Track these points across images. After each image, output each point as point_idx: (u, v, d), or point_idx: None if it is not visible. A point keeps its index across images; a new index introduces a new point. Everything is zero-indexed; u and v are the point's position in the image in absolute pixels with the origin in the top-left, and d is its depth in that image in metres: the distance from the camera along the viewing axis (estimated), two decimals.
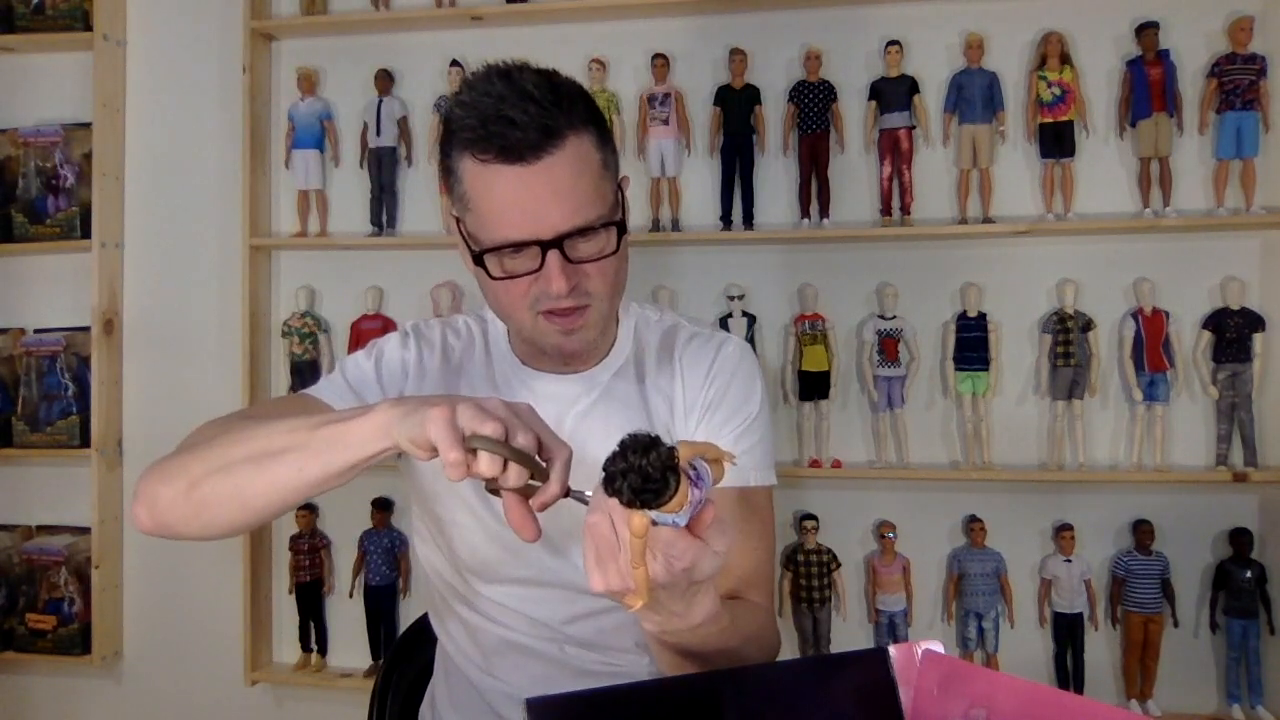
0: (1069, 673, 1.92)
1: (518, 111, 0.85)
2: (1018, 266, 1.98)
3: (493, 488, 0.76)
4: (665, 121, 2.02)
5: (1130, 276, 1.94)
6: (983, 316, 1.95)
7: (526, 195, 0.87)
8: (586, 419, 1.03)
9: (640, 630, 1.07)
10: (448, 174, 0.93)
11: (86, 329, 2.22)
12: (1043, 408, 1.97)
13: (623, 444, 0.60)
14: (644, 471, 0.58)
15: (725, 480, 0.84)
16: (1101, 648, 1.97)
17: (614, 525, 0.64)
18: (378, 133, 2.12)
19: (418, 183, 2.17)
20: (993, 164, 1.96)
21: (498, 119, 0.85)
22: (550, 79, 0.89)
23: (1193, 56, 1.92)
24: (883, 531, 1.99)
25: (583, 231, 0.89)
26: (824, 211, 1.99)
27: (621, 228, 0.93)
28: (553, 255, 0.88)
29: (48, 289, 2.32)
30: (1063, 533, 1.92)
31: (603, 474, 0.60)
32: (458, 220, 0.95)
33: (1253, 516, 1.92)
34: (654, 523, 0.62)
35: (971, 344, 1.95)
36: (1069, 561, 1.92)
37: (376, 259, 2.20)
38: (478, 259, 0.92)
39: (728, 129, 2.01)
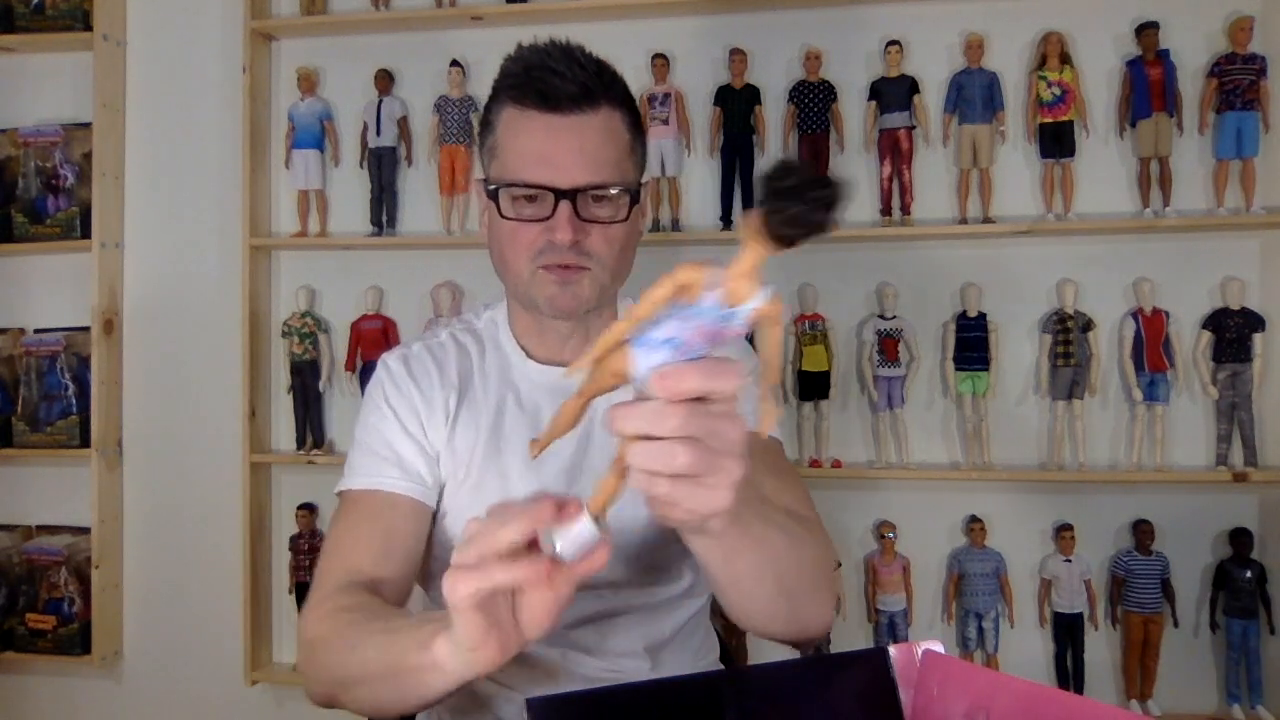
0: (1069, 673, 1.92)
1: (562, 66, 0.91)
2: (1018, 266, 1.98)
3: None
4: (665, 121, 2.02)
5: (1130, 276, 1.94)
6: (983, 316, 1.95)
7: (552, 143, 0.91)
8: (590, 409, 1.02)
9: (642, 634, 1.04)
10: (485, 129, 0.98)
11: (86, 329, 2.22)
12: (1043, 408, 1.97)
13: (787, 167, 0.49)
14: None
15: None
16: (1101, 648, 1.97)
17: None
18: (378, 133, 2.12)
19: (418, 183, 2.17)
20: (993, 164, 1.96)
21: (542, 68, 0.91)
22: (599, 60, 0.95)
23: (1193, 56, 1.92)
24: (883, 531, 1.99)
25: (598, 193, 0.92)
26: None
27: (635, 199, 0.96)
28: (564, 205, 0.90)
29: (48, 289, 2.32)
30: (1063, 533, 1.92)
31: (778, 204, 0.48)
32: (484, 181, 0.98)
33: (1253, 516, 1.92)
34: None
35: (971, 344, 1.95)
36: (1069, 561, 1.92)
37: (376, 259, 2.20)
38: (493, 194, 0.94)
39: (728, 129, 2.01)
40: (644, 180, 1.01)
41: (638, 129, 0.98)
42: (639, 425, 0.53)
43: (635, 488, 0.55)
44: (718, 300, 0.51)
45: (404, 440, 1.00)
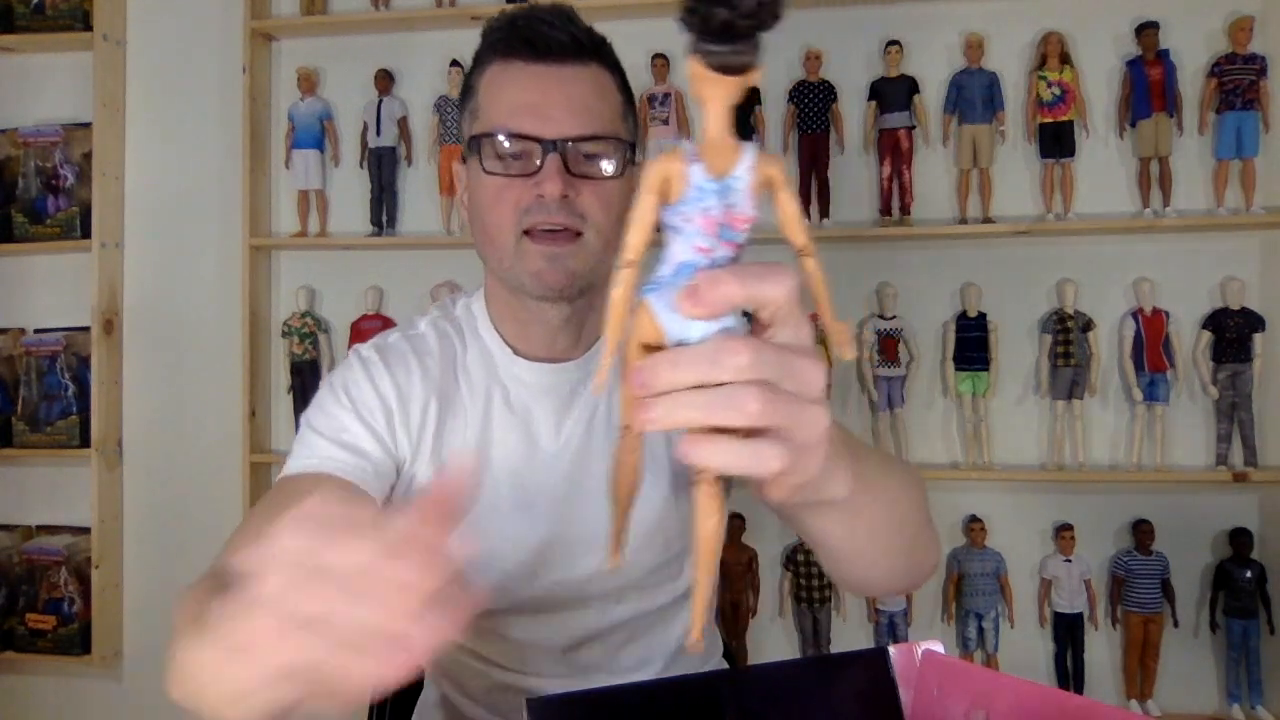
0: (1069, 673, 1.92)
1: (553, 18, 0.86)
2: (1018, 266, 1.98)
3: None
4: (665, 121, 2.02)
5: (1130, 276, 1.94)
6: (983, 316, 1.95)
7: (539, 93, 0.84)
8: (589, 408, 0.93)
9: (649, 645, 0.96)
10: (466, 96, 0.91)
11: (86, 329, 2.22)
12: (1043, 408, 1.97)
13: None
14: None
15: None
16: (1101, 648, 1.97)
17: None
18: (378, 133, 2.12)
19: (418, 183, 2.17)
20: (993, 164, 1.96)
21: (529, 18, 0.86)
22: (589, 25, 0.90)
23: (1193, 56, 1.92)
24: None
25: (590, 147, 0.84)
26: (824, 211, 1.99)
27: (631, 156, 0.88)
28: (553, 158, 0.82)
29: (48, 289, 2.32)
30: (1063, 533, 1.92)
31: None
32: (465, 145, 0.90)
33: (1253, 516, 1.92)
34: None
35: (971, 344, 1.95)
36: (1069, 561, 1.92)
37: (376, 259, 2.20)
38: (475, 149, 0.86)
39: None
40: (640, 159, 0.91)
41: (629, 97, 0.91)
42: (694, 369, 0.41)
43: (700, 462, 0.42)
44: (705, 175, 0.42)
45: (360, 430, 0.87)
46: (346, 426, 0.87)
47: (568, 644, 0.95)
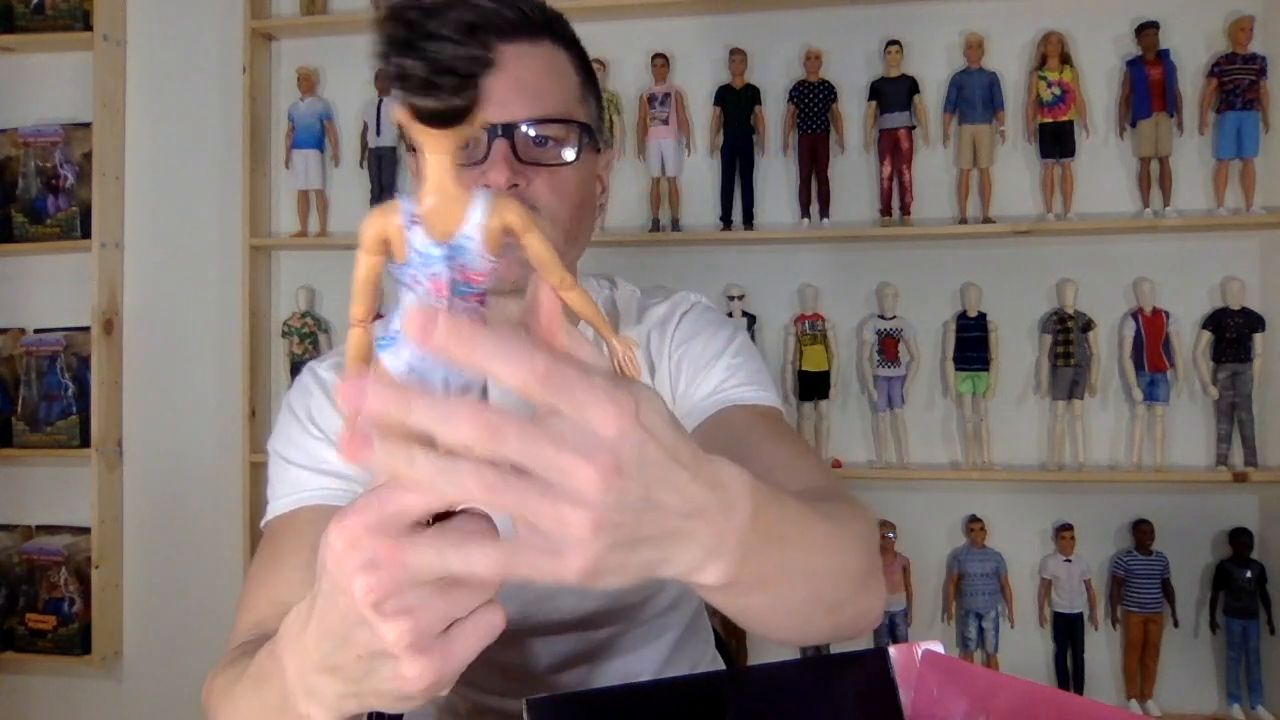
0: (1069, 673, 1.92)
1: None
2: (1018, 266, 1.98)
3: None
4: (665, 121, 2.02)
5: (1130, 276, 1.94)
6: (983, 316, 1.95)
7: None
8: None
9: (636, 662, 0.91)
10: None
11: (86, 329, 2.22)
12: (1043, 408, 1.97)
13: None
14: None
15: (738, 400, 0.79)
16: (1101, 648, 1.97)
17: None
18: (378, 132, 2.12)
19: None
20: (993, 164, 1.96)
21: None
22: (542, 2, 0.82)
23: (1193, 56, 1.92)
24: (883, 531, 1.99)
25: (541, 131, 0.78)
26: (824, 211, 1.99)
27: (589, 138, 0.82)
28: (500, 143, 0.75)
29: (48, 289, 2.32)
30: (1063, 533, 1.92)
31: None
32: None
33: (1253, 516, 1.92)
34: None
35: (971, 344, 1.95)
36: (1069, 561, 1.92)
37: None
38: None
39: (728, 129, 2.01)
40: (601, 133, 0.86)
41: (590, 78, 0.85)
42: (422, 416, 0.35)
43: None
44: (426, 239, 0.38)
45: (335, 454, 0.83)
46: (324, 457, 0.84)
47: (549, 667, 0.91)
